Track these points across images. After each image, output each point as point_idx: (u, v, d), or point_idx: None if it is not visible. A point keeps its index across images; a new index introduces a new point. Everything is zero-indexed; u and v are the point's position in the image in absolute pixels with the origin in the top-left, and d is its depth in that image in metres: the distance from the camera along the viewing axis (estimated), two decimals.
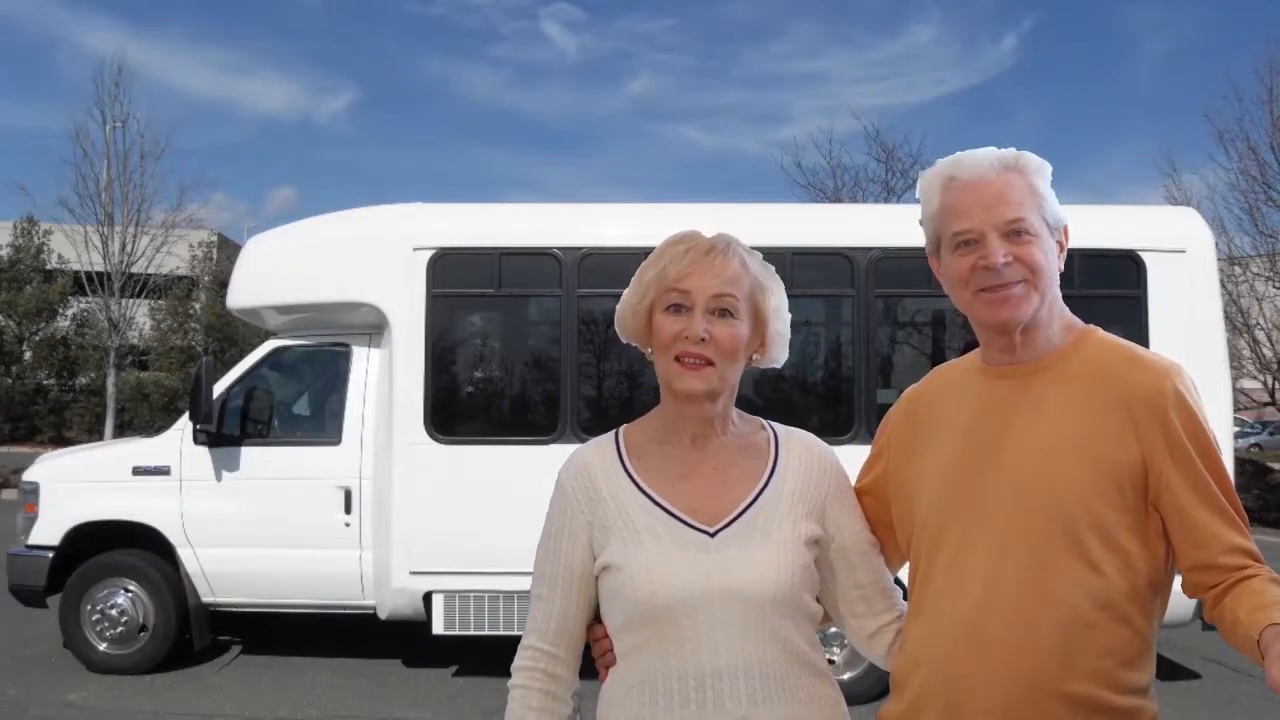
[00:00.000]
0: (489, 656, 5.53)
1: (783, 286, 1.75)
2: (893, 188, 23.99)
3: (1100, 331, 1.71)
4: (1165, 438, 1.56)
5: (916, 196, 1.75)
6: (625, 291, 1.74)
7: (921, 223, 1.74)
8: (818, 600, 1.72)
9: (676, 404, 1.71)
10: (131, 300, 25.13)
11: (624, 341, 1.78)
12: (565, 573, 1.70)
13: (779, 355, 1.76)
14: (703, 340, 1.64)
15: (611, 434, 1.78)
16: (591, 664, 1.75)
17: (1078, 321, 1.72)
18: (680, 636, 1.60)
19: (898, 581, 1.82)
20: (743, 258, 1.70)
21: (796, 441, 1.78)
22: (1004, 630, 1.56)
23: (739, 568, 1.61)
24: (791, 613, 1.64)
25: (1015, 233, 1.61)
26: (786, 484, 1.70)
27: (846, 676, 5.64)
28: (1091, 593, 1.55)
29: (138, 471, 6.77)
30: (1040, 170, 1.66)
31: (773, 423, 1.81)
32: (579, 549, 1.70)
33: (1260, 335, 18.17)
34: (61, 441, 23.35)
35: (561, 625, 1.70)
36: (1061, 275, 1.67)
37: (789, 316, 1.75)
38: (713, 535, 1.64)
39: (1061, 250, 1.68)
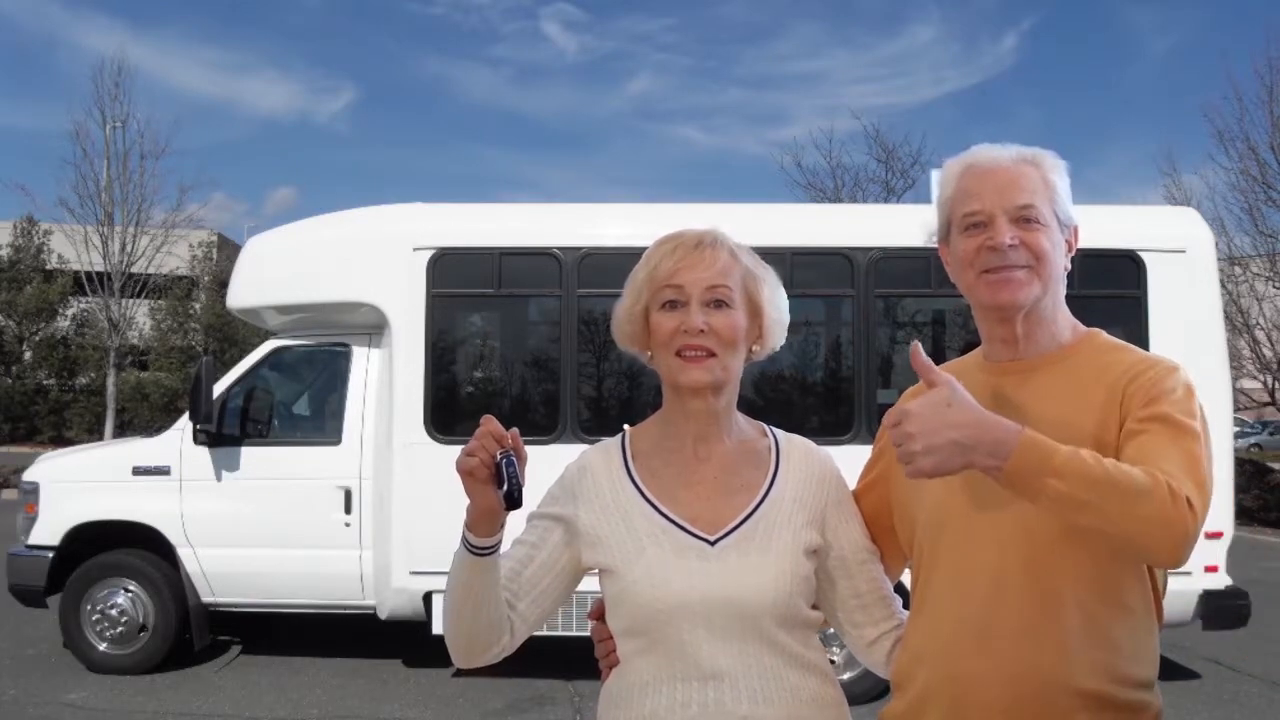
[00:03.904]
0: None
1: (775, 275, 1.75)
2: (893, 188, 24.01)
3: (1104, 334, 1.72)
4: (1146, 403, 1.53)
5: (932, 188, 1.76)
6: (619, 299, 1.74)
7: (936, 211, 1.75)
8: (815, 608, 1.71)
9: (681, 401, 1.70)
10: (131, 300, 25.17)
11: (622, 349, 1.77)
12: (539, 539, 1.70)
13: (776, 343, 1.76)
14: (702, 331, 1.64)
15: (618, 439, 1.78)
16: (594, 663, 1.75)
17: (1081, 324, 1.73)
18: (681, 642, 1.61)
19: (898, 588, 1.82)
20: (731, 249, 1.70)
21: (797, 449, 1.77)
22: (1008, 626, 1.56)
23: (737, 577, 1.61)
24: (789, 621, 1.64)
25: (1025, 219, 1.62)
26: (786, 493, 1.70)
27: (846, 677, 5.63)
28: (1096, 588, 1.55)
29: (138, 471, 6.77)
30: (1056, 167, 1.68)
31: (774, 429, 1.80)
32: (557, 531, 1.70)
33: (1260, 335, 18.18)
34: (61, 441, 23.36)
35: (518, 568, 1.67)
36: None
37: (785, 305, 1.75)
38: (713, 544, 1.64)
39: (1070, 249, 1.69)
